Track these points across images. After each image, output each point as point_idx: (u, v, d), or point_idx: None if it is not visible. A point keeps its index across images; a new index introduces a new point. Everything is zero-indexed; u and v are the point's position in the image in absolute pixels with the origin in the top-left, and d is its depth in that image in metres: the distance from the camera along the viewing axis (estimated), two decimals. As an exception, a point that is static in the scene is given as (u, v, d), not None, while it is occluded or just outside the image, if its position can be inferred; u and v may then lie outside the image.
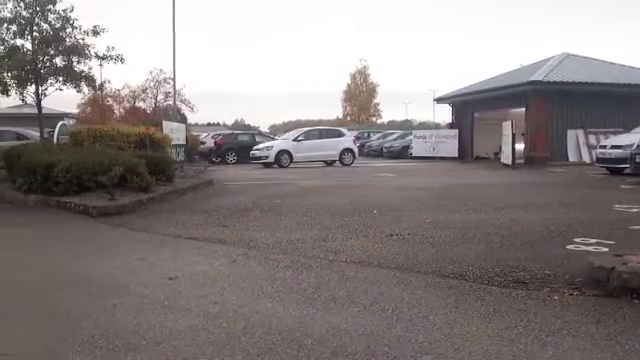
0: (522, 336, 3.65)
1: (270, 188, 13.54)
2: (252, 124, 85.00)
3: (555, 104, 23.52)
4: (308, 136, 26.40)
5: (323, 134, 27.26)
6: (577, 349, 3.43)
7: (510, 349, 3.43)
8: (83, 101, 40.02)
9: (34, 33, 15.83)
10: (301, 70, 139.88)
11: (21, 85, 15.81)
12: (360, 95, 62.79)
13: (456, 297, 4.54)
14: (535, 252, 6.02)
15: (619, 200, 10.15)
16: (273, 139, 29.54)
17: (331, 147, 25.80)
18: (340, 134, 27.35)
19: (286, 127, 76.70)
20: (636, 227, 7.41)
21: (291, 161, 24.83)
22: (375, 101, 63.75)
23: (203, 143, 30.06)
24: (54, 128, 17.04)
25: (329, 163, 25.72)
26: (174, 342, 3.63)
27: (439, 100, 33.27)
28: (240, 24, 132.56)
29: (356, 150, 27.01)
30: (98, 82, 17.95)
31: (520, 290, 4.69)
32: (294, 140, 25.87)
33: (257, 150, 25.71)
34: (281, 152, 24.92)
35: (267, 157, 24.84)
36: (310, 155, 25.26)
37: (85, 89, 17.33)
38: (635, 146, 13.90)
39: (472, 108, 28.84)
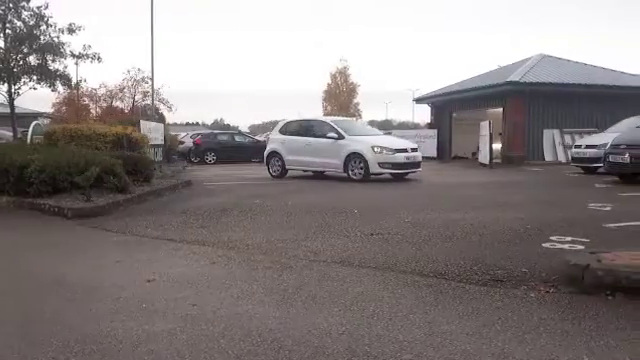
0: (500, 333, 3.69)
1: (249, 188, 13.47)
2: (232, 124, 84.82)
3: (532, 104, 23.81)
4: None
5: None
6: (553, 345, 3.47)
7: (488, 347, 3.46)
8: (58, 100, 39.65)
9: (7, 30, 15.54)
10: (281, 69, 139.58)
11: (-8, 84, 15.54)
12: (340, 95, 62.75)
13: (435, 296, 4.56)
14: (512, 250, 6.08)
15: (593, 199, 10.28)
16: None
17: None
18: None
19: (265, 127, 76.55)
20: (610, 225, 7.52)
21: None
22: (355, 101, 63.81)
23: (182, 143, 29.85)
24: (28, 128, 16.81)
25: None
26: (152, 345, 3.59)
27: (418, 100, 33.44)
28: (220, 24, 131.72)
29: None
30: (74, 81, 17.67)
31: (498, 288, 4.74)
32: None
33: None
34: None
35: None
36: None
37: (60, 88, 17.15)
38: (609, 146, 14.10)
39: (451, 108, 29.07)
